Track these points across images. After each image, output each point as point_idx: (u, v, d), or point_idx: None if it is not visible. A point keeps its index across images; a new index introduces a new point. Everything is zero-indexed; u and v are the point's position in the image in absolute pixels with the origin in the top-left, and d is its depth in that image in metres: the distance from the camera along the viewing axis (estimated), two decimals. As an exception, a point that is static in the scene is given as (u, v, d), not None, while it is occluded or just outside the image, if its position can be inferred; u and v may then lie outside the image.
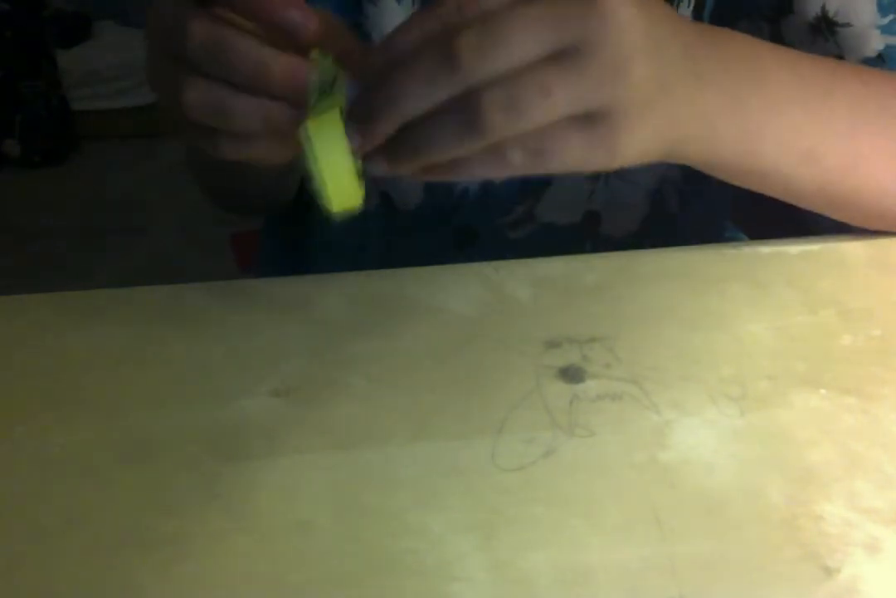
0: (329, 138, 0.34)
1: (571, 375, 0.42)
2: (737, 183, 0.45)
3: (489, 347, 0.44)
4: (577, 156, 0.34)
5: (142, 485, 0.37)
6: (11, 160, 2.52)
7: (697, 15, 0.55)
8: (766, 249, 0.50)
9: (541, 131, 0.33)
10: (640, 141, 0.35)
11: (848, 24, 0.50)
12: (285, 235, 0.73)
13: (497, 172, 0.34)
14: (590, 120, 0.33)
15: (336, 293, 0.47)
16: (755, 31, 0.55)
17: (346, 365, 0.43)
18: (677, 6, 0.54)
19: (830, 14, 0.50)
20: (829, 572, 0.33)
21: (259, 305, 0.47)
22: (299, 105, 0.34)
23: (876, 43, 0.50)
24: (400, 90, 0.32)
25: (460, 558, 0.34)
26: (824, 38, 0.51)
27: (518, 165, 0.34)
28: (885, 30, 0.49)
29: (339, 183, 0.35)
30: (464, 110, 0.32)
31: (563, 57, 0.32)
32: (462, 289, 0.47)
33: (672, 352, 0.43)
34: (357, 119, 0.33)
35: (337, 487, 0.37)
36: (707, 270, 0.49)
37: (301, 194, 0.65)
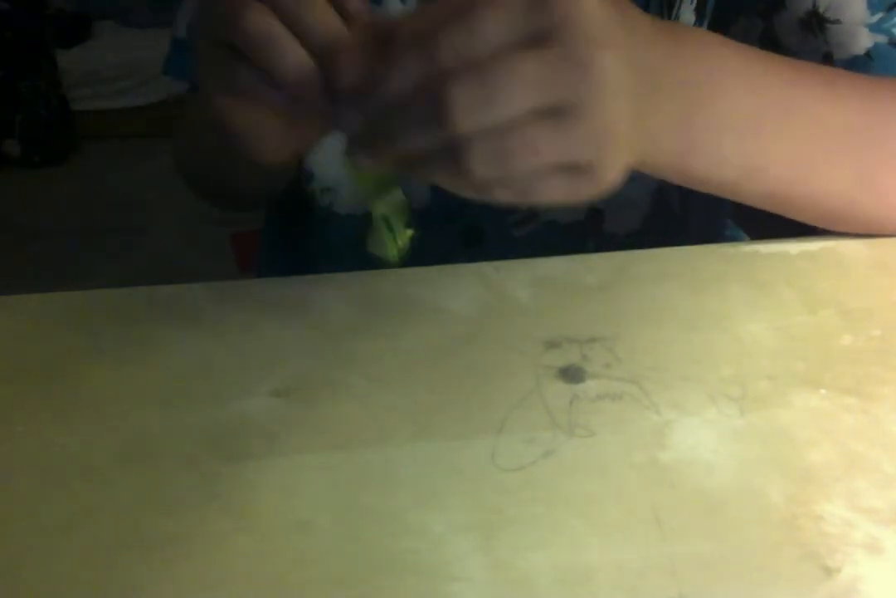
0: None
1: (571, 375, 0.42)
2: (681, 184, 0.45)
3: (489, 347, 0.44)
4: (561, 194, 0.35)
5: (142, 485, 0.37)
6: (11, 160, 2.52)
7: (700, 12, 0.55)
8: (766, 249, 0.50)
9: (525, 178, 0.34)
10: (612, 177, 0.36)
11: (837, 21, 0.50)
12: (286, 236, 0.73)
13: (482, 199, 0.35)
14: (573, 168, 0.34)
15: (336, 293, 0.47)
16: (750, 28, 0.55)
17: (346, 365, 0.43)
18: (679, 5, 0.54)
19: (821, 10, 0.50)
20: (829, 572, 0.33)
21: (259, 305, 0.47)
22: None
23: (865, 40, 0.50)
24: (392, 132, 0.33)
25: (460, 558, 0.34)
26: (814, 35, 0.51)
27: (506, 200, 0.35)
28: (874, 28, 0.49)
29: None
30: (452, 157, 0.33)
31: (552, 115, 0.33)
32: (462, 289, 0.47)
33: (672, 352, 0.43)
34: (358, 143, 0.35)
35: (337, 487, 0.37)
36: (707, 269, 0.49)
37: (301, 195, 0.65)
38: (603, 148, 0.34)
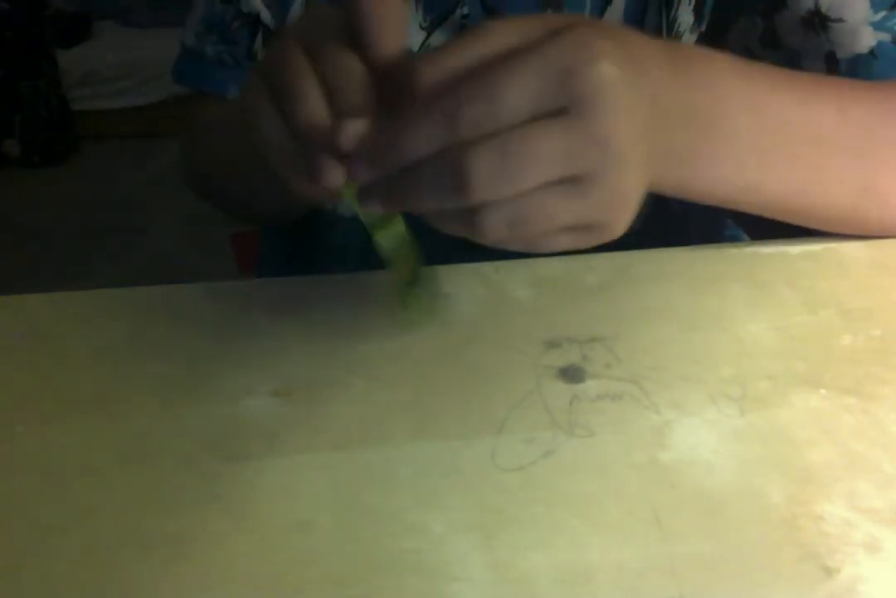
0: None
1: (571, 375, 0.42)
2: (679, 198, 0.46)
3: (489, 347, 0.44)
4: (568, 246, 0.37)
5: (142, 485, 0.37)
6: (11, 160, 2.53)
7: (698, 12, 0.55)
8: (766, 249, 0.50)
9: (536, 235, 0.35)
10: (618, 233, 0.37)
11: (840, 20, 0.49)
12: (286, 236, 0.73)
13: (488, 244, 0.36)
14: (584, 228, 0.35)
15: (336, 293, 0.47)
16: (750, 27, 0.55)
17: (346, 365, 0.43)
18: (678, 3, 0.54)
19: (823, 9, 0.50)
20: (829, 572, 0.33)
21: (259, 305, 0.47)
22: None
23: (868, 39, 0.49)
24: (411, 196, 0.34)
25: (460, 558, 0.34)
26: (816, 34, 0.51)
27: (512, 248, 0.36)
28: (878, 26, 0.49)
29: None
30: (469, 222, 0.33)
31: (569, 182, 0.33)
32: (462, 289, 0.47)
33: (672, 352, 0.43)
34: (371, 196, 0.35)
35: (337, 487, 0.37)
36: (707, 269, 0.49)
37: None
38: (617, 211, 0.35)
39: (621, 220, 0.36)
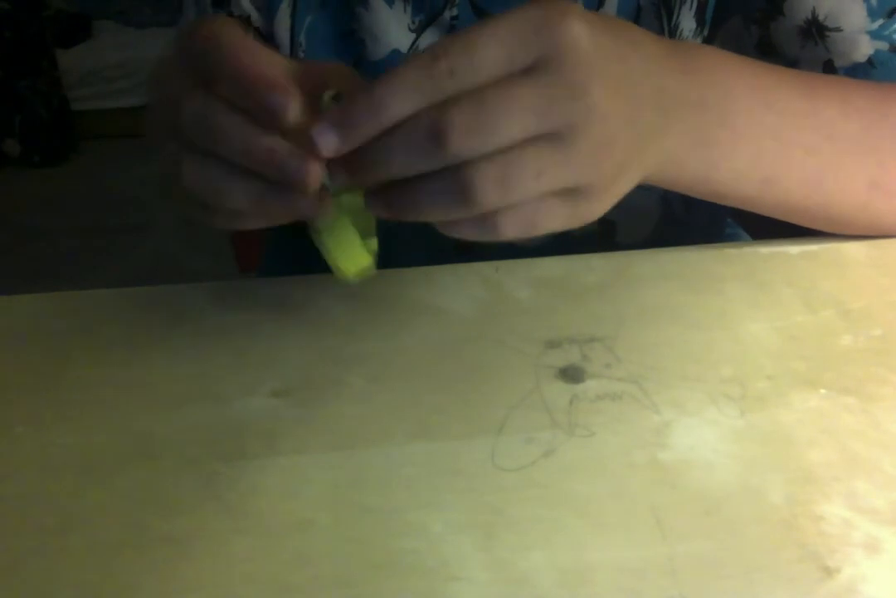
0: (337, 228, 0.37)
1: (571, 375, 0.42)
2: (697, 198, 0.46)
3: (489, 347, 0.44)
4: (561, 222, 0.36)
5: (142, 485, 0.37)
6: (11, 160, 2.53)
7: (700, 18, 0.55)
8: (766, 249, 0.50)
9: (527, 206, 0.34)
10: (611, 201, 0.37)
11: (838, 29, 0.49)
12: (286, 236, 0.73)
13: (488, 238, 0.35)
14: (572, 192, 0.35)
15: (336, 293, 0.47)
16: (745, 34, 0.54)
17: (346, 365, 0.43)
18: (679, 9, 0.54)
19: (820, 18, 0.50)
20: (829, 572, 0.33)
21: (259, 305, 0.47)
22: (289, 185, 0.34)
23: (866, 48, 0.49)
24: (388, 158, 0.33)
25: (460, 558, 0.34)
26: (814, 43, 0.51)
27: (509, 234, 0.35)
28: (875, 35, 0.49)
29: (348, 254, 0.38)
30: (455, 183, 0.33)
31: (550, 138, 0.33)
32: (462, 289, 0.47)
33: (672, 352, 0.43)
34: (346, 167, 0.34)
35: (337, 487, 0.37)
36: (707, 270, 0.49)
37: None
38: (600, 169, 0.35)
39: (607, 180, 0.35)
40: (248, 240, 1.67)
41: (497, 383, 0.42)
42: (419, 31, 0.56)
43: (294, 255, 0.72)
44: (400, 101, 0.32)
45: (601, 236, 0.61)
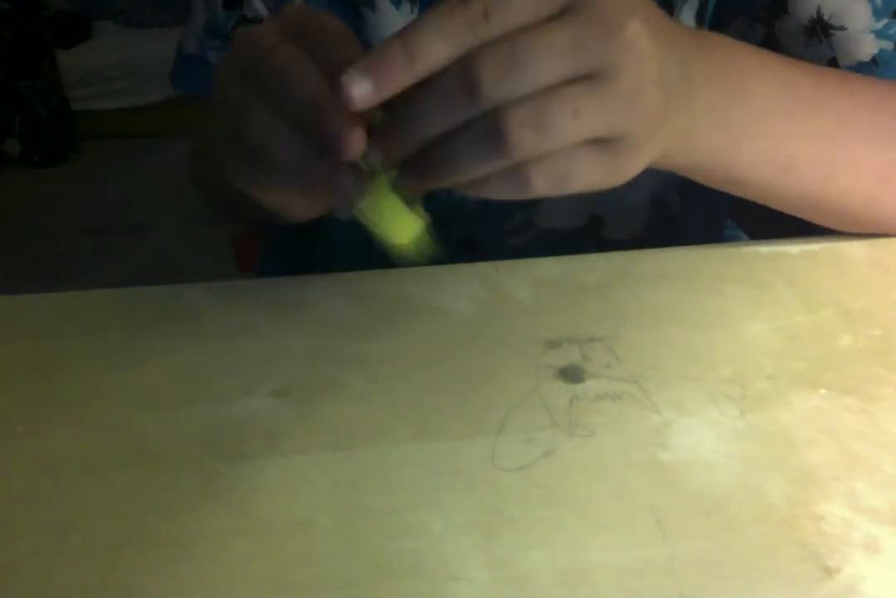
0: (378, 201, 0.36)
1: (571, 375, 0.42)
2: (716, 188, 0.46)
3: (489, 347, 0.44)
4: (593, 179, 0.34)
5: (142, 485, 0.37)
6: (11, 160, 2.53)
7: (700, 16, 0.55)
8: (766, 249, 0.50)
9: (562, 155, 0.33)
10: (644, 160, 0.36)
11: (842, 28, 0.50)
12: (287, 235, 0.73)
13: (518, 195, 0.34)
14: (606, 144, 0.34)
15: (336, 293, 0.47)
16: (749, 33, 0.55)
17: (346, 365, 0.43)
18: (681, 8, 0.54)
19: (825, 17, 0.50)
20: (829, 572, 0.33)
21: (259, 305, 0.47)
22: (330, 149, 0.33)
23: (870, 47, 0.50)
24: (422, 114, 0.32)
25: (460, 558, 0.34)
26: (818, 41, 0.51)
27: (540, 189, 0.34)
28: (880, 34, 0.49)
29: (396, 223, 0.37)
30: (490, 129, 0.32)
31: (587, 80, 0.32)
32: (462, 289, 0.47)
33: (672, 352, 0.43)
34: (380, 138, 0.33)
35: (337, 487, 0.37)
36: (707, 270, 0.49)
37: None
38: (637, 115, 0.34)
39: (645, 131, 0.34)
40: (247, 240, 1.67)
41: (497, 383, 0.42)
42: None
43: (294, 255, 0.72)
44: (435, 45, 0.31)
45: (588, 231, 0.61)
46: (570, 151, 0.33)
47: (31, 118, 2.50)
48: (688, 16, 0.54)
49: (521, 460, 0.38)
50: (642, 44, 0.33)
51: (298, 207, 0.39)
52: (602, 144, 0.34)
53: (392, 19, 0.55)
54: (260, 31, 0.36)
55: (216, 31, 0.60)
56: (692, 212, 0.63)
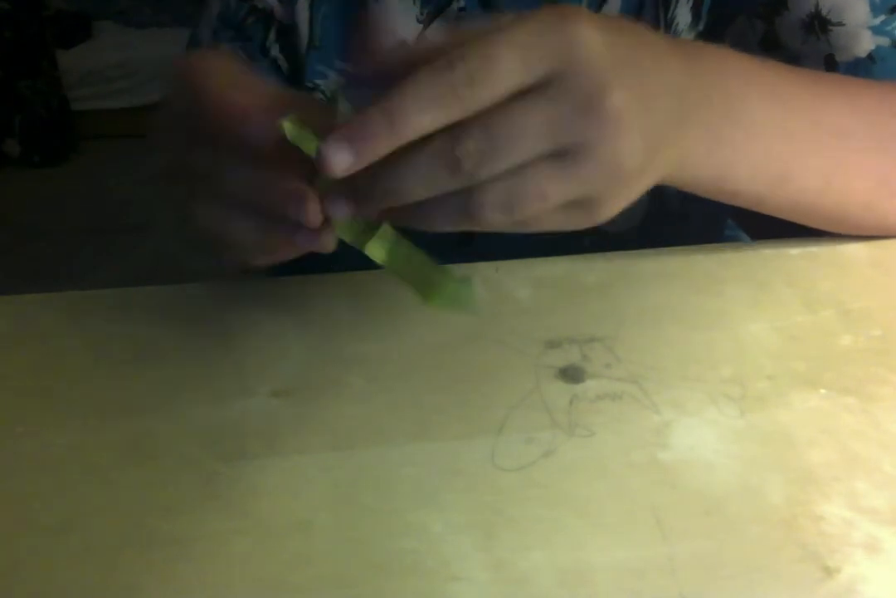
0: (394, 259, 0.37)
1: (571, 375, 0.42)
2: (712, 199, 0.46)
3: (489, 347, 0.44)
4: (560, 226, 0.36)
5: (142, 485, 0.37)
6: (11, 160, 2.53)
7: (696, 12, 0.55)
8: (766, 250, 0.50)
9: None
10: (628, 199, 0.36)
11: (840, 24, 0.50)
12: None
13: (471, 226, 0.35)
14: (578, 203, 0.34)
15: (336, 293, 0.47)
16: (749, 29, 0.55)
17: (346, 365, 0.43)
18: (676, 2, 0.54)
19: (824, 12, 0.50)
20: (829, 572, 0.33)
21: (259, 305, 0.47)
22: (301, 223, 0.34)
23: (867, 43, 0.50)
24: (402, 182, 0.32)
25: (460, 558, 0.34)
26: (816, 37, 0.51)
27: (504, 230, 0.35)
28: (877, 30, 0.49)
29: (422, 282, 0.37)
30: (462, 204, 0.33)
31: (559, 157, 0.33)
32: (462, 289, 0.47)
33: (672, 352, 0.43)
34: (356, 194, 0.33)
35: (337, 487, 0.37)
36: (707, 270, 0.49)
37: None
38: (609, 186, 0.34)
39: (615, 194, 0.35)
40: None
41: (497, 383, 0.42)
42: (427, 22, 0.56)
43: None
44: (419, 114, 0.31)
45: None
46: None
47: (31, 118, 2.50)
48: (683, 10, 0.54)
49: (521, 460, 0.38)
50: (620, 119, 0.33)
51: (267, 259, 0.40)
52: (575, 203, 0.34)
53: (394, 9, 0.56)
54: (167, 130, 0.37)
55: (230, 20, 0.60)
56: (691, 206, 0.63)
